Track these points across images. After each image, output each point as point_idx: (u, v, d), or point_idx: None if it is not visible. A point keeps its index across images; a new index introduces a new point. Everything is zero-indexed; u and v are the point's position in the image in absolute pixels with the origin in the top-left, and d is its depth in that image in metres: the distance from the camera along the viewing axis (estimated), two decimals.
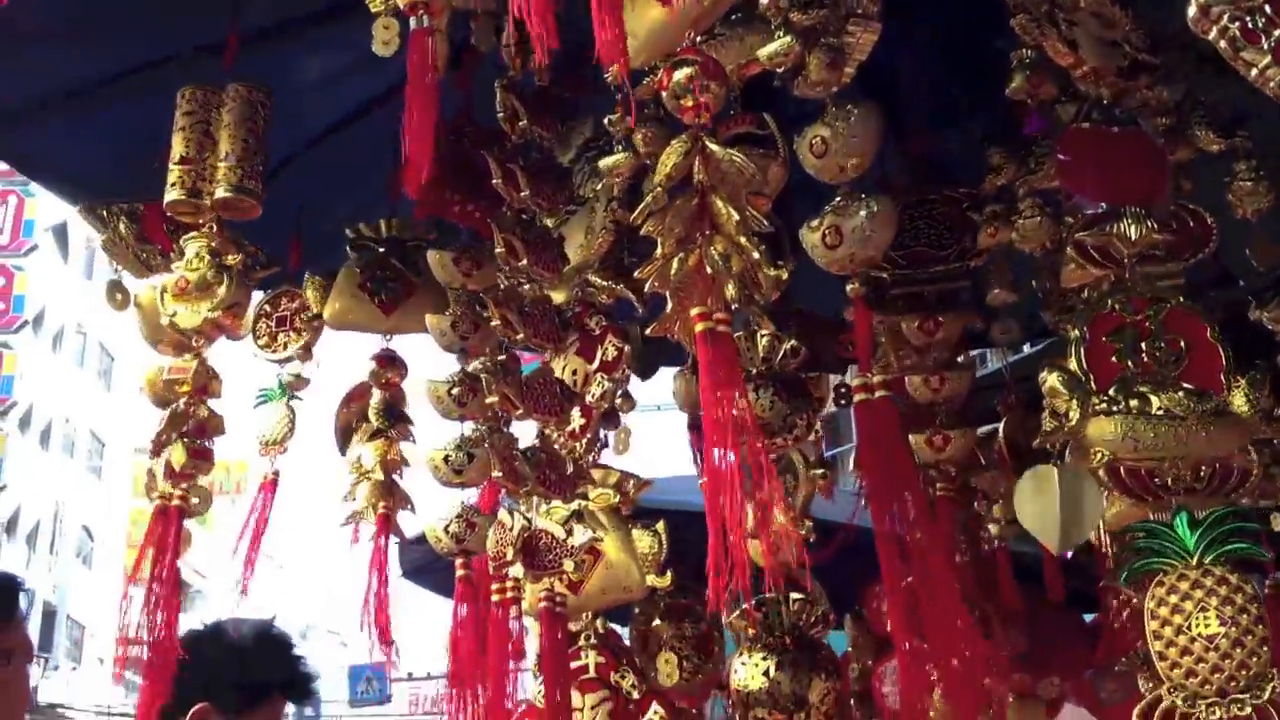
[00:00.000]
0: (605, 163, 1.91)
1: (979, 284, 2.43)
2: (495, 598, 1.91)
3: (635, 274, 1.62)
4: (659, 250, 1.50)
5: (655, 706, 2.24)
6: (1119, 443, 1.63)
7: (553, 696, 1.84)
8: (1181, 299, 1.79)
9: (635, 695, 2.23)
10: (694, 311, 1.45)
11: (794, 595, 1.67)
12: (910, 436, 2.37)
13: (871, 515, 1.75)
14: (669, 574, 2.41)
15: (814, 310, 2.51)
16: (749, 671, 1.65)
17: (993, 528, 2.89)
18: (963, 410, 2.45)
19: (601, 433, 2.26)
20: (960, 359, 2.44)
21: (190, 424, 2.20)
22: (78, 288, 34.57)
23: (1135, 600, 1.69)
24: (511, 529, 1.89)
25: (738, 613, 1.68)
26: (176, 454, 2.17)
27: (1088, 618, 3.84)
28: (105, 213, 2.59)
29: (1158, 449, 1.63)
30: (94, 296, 35.89)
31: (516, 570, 1.90)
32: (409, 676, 31.36)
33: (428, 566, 4.60)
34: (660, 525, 2.42)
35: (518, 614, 1.89)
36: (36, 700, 24.67)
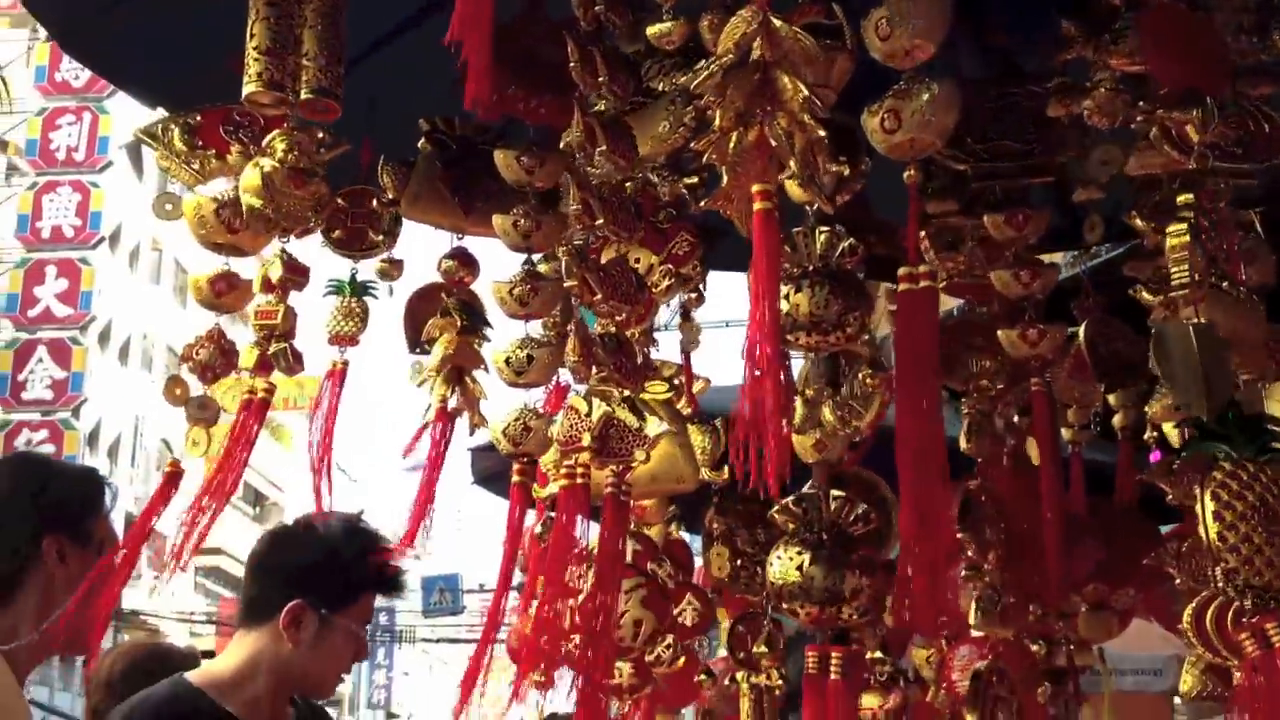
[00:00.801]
0: (654, 30, 1.88)
1: (1066, 181, 2.37)
2: (564, 482, 1.90)
3: (693, 144, 1.60)
4: (716, 123, 1.47)
5: (689, 598, 2.23)
6: None
7: (607, 583, 1.84)
8: None
9: (670, 585, 2.23)
10: (756, 188, 1.42)
11: (834, 492, 1.64)
12: (1001, 333, 2.34)
13: (896, 408, 1.72)
14: (725, 469, 2.41)
15: (884, 219, 2.47)
16: (784, 565, 1.63)
17: (1066, 433, 2.85)
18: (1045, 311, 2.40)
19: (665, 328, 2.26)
20: (1044, 258, 2.39)
21: (287, 325, 2.22)
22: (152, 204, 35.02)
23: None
24: (588, 415, 1.88)
25: (777, 507, 1.65)
26: (277, 355, 2.19)
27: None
28: (160, 128, 2.58)
29: None
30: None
31: (585, 457, 1.89)
32: (480, 588, 31.90)
33: (499, 474, 4.61)
34: (719, 421, 2.41)
35: (585, 499, 1.88)
36: (120, 606, 25.36)
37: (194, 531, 2.09)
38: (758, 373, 1.42)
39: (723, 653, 4.00)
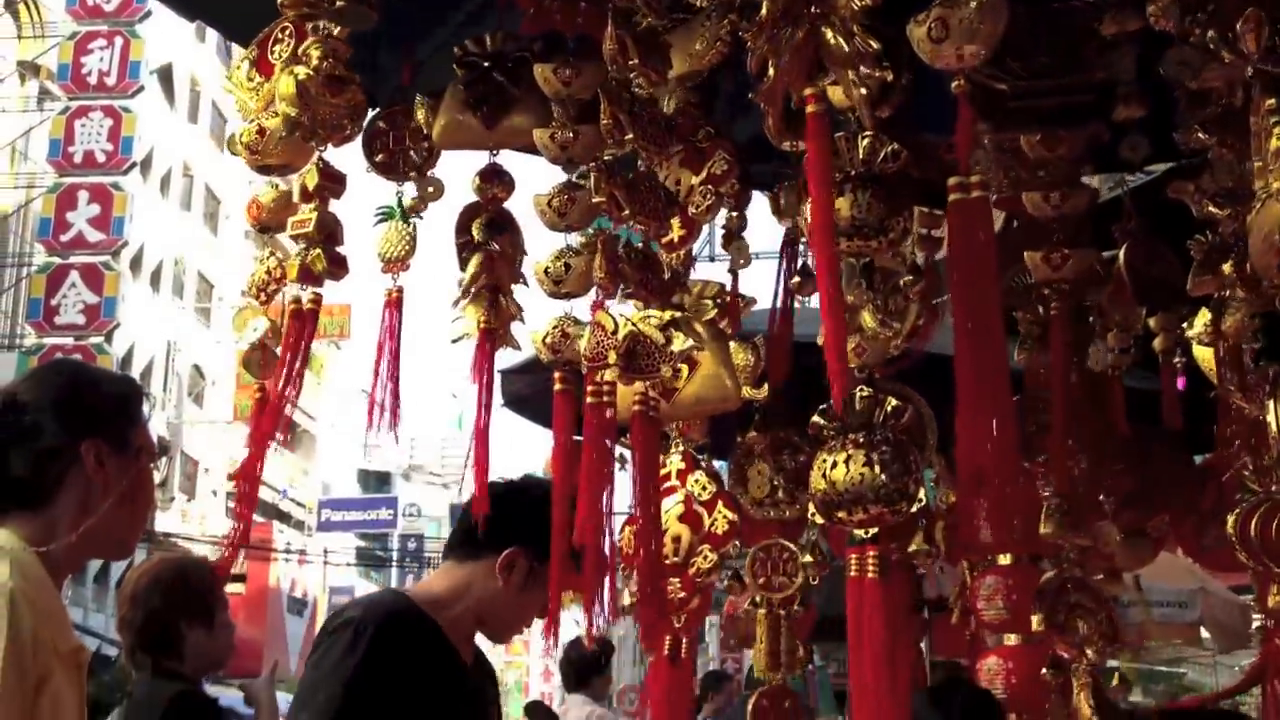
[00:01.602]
0: None
1: (1106, 100, 2.32)
2: (591, 400, 1.89)
3: (740, 33, 1.57)
4: (764, 11, 1.45)
5: (721, 507, 2.24)
6: None
7: (644, 502, 1.84)
8: None
9: (704, 496, 2.24)
10: (807, 91, 1.40)
11: (868, 392, 1.62)
12: (1026, 255, 2.31)
13: (954, 317, 1.70)
14: (765, 386, 2.40)
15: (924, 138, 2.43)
16: (826, 469, 1.62)
17: (1108, 356, 2.82)
18: (1078, 233, 2.36)
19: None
20: (1081, 178, 2.35)
21: (321, 231, 2.20)
22: (184, 130, 35.02)
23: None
24: (614, 331, 1.87)
25: (819, 412, 1.64)
26: (314, 260, 2.18)
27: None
28: (234, 69, 2.57)
29: None
30: (199, 139, 36.41)
31: (611, 374, 1.88)
32: None
33: (530, 397, 4.62)
34: (759, 339, 2.40)
35: (612, 417, 1.88)
36: (153, 528, 25.74)
37: (269, 433, 2.11)
38: None
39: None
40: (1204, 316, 2.56)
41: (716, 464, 3.22)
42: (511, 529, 2.96)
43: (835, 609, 1.98)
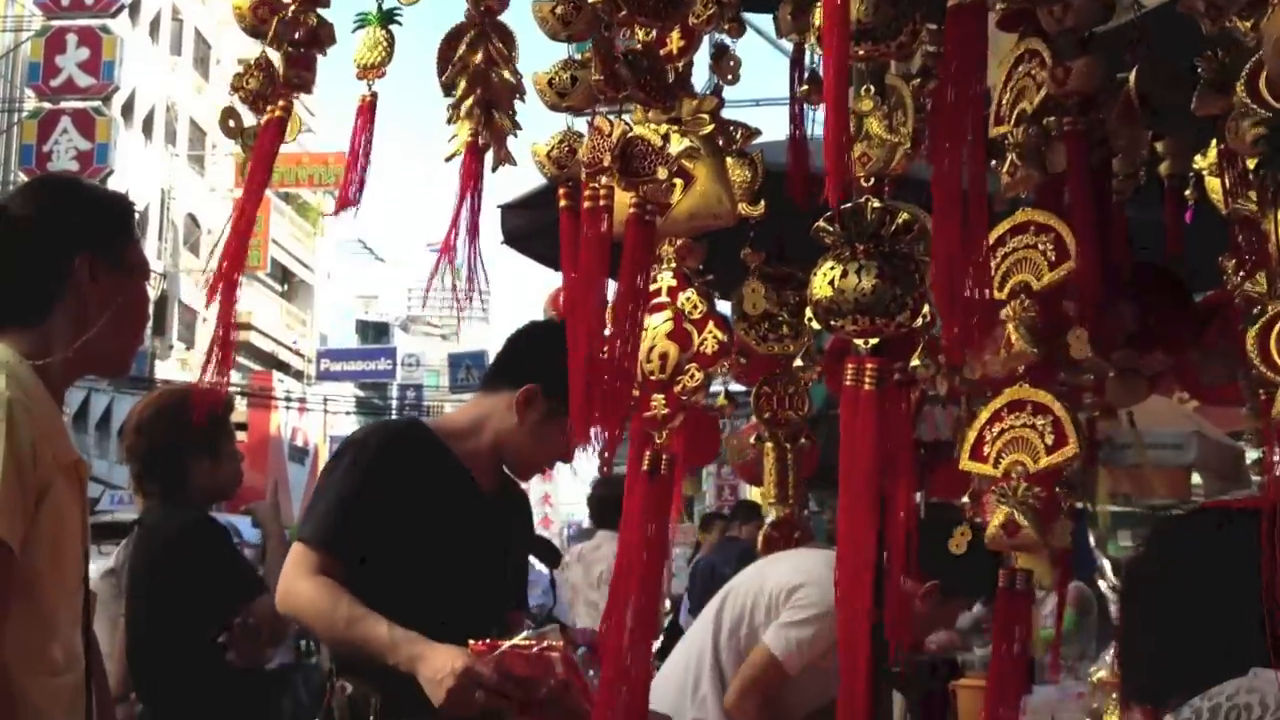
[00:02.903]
0: None
1: None
2: (588, 205, 1.86)
3: None
4: None
5: (711, 327, 2.22)
6: None
7: (625, 306, 1.82)
8: None
9: (695, 315, 2.22)
10: None
11: (874, 202, 1.60)
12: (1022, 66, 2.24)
13: (935, 130, 1.65)
14: (762, 203, 2.38)
15: None
16: (825, 278, 1.60)
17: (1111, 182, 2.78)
18: (1083, 42, 2.29)
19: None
20: None
21: (299, 32, 2.13)
22: None
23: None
24: (610, 134, 1.83)
25: (820, 221, 1.61)
26: (279, 62, 2.11)
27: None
28: None
29: None
30: None
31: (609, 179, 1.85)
32: None
33: (531, 234, 4.58)
34: (757, 154, 2.36)
35: (608, 223, 1.85)
36: (153, 376, 25.90)
37: (236, 241, 2.08)
38: None
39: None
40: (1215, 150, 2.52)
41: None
42: (531, 365, 3.04)
43: (832, 456, 1.99)
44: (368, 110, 2.16)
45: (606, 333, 1.87)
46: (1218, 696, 1.45)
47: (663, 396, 2.12)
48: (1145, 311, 3.52)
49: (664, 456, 2.07)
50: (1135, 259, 3.18)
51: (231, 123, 2.11)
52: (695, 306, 2.21)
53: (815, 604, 3.98)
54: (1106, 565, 11.14)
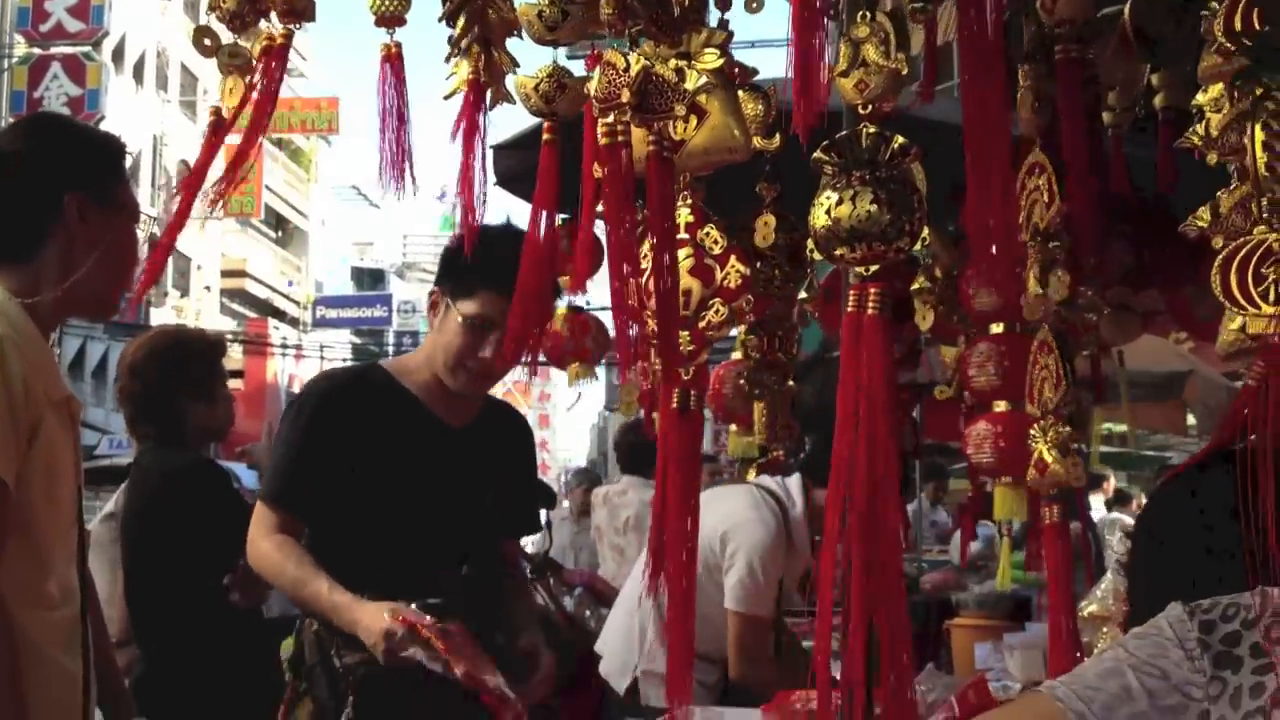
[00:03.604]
0: None
1: None
2: (604, 141, 1.84)
3: None
4: None
5: (734, 261, 2.22)
6: None
7: (661, 249, 1.82)
8: None
9: (716, 250, 2.22)
10: None
11: (871, 129, 1.59)
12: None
13: (960, 57, 1.64)
14: (777, 136, 2.36)
15: None
16: (824, 206, 1.59)
17: (1106, 116, 2.78)
18: None
19: None
20: None
21: None
22: None
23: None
24: (626, 69, 1.81)
25: (817, 150, 1.61)
26: None
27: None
28: None
29: None
30: None
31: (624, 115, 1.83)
32: None
33: (522, 174, 4.53)
34: (770, 88, 2.35)
35: (628, 158, 1.83)
36: (148, 323, 25.84)
37: (235, 173, 2.05)
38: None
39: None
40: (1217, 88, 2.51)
41: None
42: (438, 273, 3.09)
43: (829, 397, 1.99)
44: (396, 61, 2.08)
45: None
46: (1221, 599, 1.47)
47: (688, 333, 2.13)
48: (1139, 249, 3.52)
49: (692, 392, 2.08)
50: (1134, 196, 3.18)
51: (207, 41, 2.08)
52: (716, 241, 2.21)
53: (745, 545, 4.01)
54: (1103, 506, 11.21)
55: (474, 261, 2.98)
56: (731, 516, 4.06)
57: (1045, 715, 1.42)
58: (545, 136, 1.98)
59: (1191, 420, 8.81)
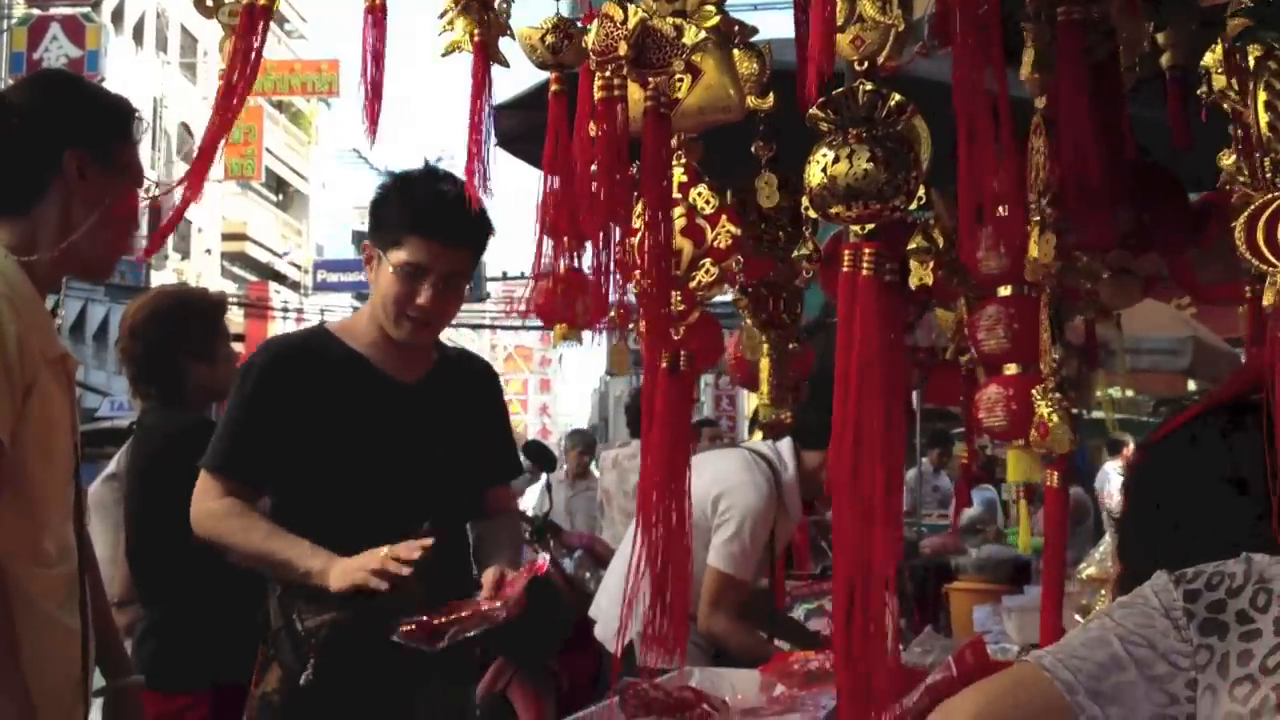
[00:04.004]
0: None
1: None
2: (601, 94, 1.82)
3: None
4: None
5: (724, 222, 2.20)
6: None
7: (654, 207, 1.80)
8: None
9: (707, 211, 2.20)
10: None
11: (867, 86, 1.57)
12: None
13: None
14: (771, 95, 2.34)
15: None
16: (819, 164, 1.58)
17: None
18: None
19: None
20: None
21: None
22: None
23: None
24: (624, 22, 1.79)
25: (814, 107, 1.59)
26: None
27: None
28: None
29: None
30: None
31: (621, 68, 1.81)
32: (503, 276, 32.28)
33: (523, 134, 4.49)
34: (765, 46, 2.33)
35: (624, 113, 1.81)
36: (149, 285, 25.81)
37: (219, 133, 2.03)
38: None
39: None
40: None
41: None
42: (369, 226, 3.07)
43: (827, 361, 1.98)
44: (378, 12, 2.05)
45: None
46: (1205, 566, 1.47)
47: (678, 293, 2.12)
48: (1140, 212, 3.50)
49: (682, 353, 2.06)
50: (1138, 158, 3.15)
51: (209, 1, 2.06)
52: (707, 202, 2.19)
53: (739, 507, 4.02)
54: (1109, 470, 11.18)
55: (400, 210, 3.01)
56: (724, 479, 4.07)
57: (1032, 684, 1.42)
58: (553, 88, 1.96)
59: (1193, 386, 8.81)
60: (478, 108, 2.02)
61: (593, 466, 10.76)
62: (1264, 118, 1.46)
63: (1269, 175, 1.47)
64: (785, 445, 4.19)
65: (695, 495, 4.04)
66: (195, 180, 1.96)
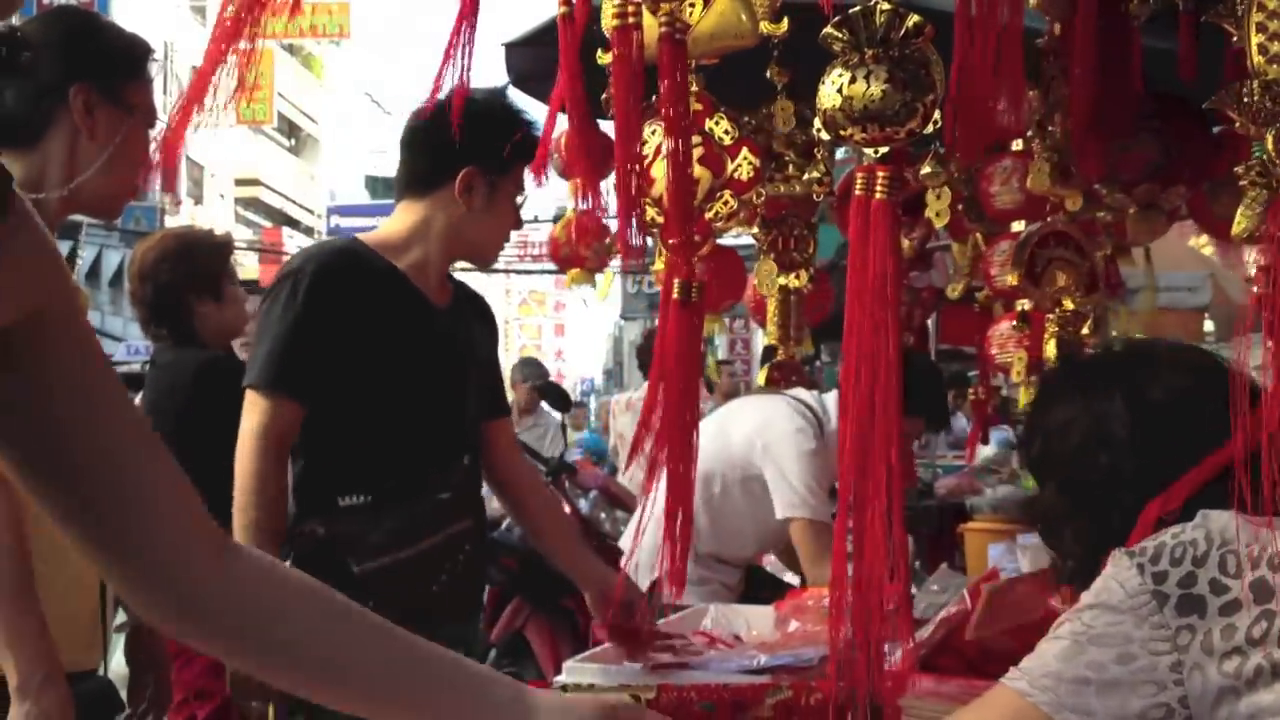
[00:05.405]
0: None
1: None
2: (615, 22, 1.79)
3: None
4: None
5: (746, 152, 2.16)
6: None
7: (674, 135, 1.77)
8: None
9: (727, 141, 2.16)
10: None
11: (883, 5, 1.54)
12: None
13: None
14: (784, 20, 2.30)
15: None
16: (833, 86, 1.54)
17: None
18: None
19: None
20: None
21: None
22: None
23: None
24: None
25: (835, 22, 1.55)
26: None
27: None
28: None
29: None
30: None
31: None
32: None
33: (537, 73, 4.44)
34: None
35: (639, 42, 1.78)
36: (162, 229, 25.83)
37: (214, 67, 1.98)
38: None
39: None
40: None
41: None
42: (461, 149, 2.85)
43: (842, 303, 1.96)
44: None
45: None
46: (1163, 537, 1.43)
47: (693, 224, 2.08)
48: (1168, 144, 3.44)
49: (694, 284, 2.02)
50: (1161, 90, 3.10)
51: None
52: (727, 131, 2.15)
53: (791, 456, 3.93)
54: None
55: (518, 137, 2.93)
56: (771, 428, 3.98)
57: (1015, 710, 1.42)
58: (561, 9, 1.92)
59: (1210, 327, 8.77)
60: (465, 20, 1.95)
61: (544, 404, 9.38)
62: (1255, 39, 1.43)
63: (1258, 99, 1.43)
64: (831, 398, 4.11)
65: (735, 440, 4.03)
66: (183, 117, 1.92)
